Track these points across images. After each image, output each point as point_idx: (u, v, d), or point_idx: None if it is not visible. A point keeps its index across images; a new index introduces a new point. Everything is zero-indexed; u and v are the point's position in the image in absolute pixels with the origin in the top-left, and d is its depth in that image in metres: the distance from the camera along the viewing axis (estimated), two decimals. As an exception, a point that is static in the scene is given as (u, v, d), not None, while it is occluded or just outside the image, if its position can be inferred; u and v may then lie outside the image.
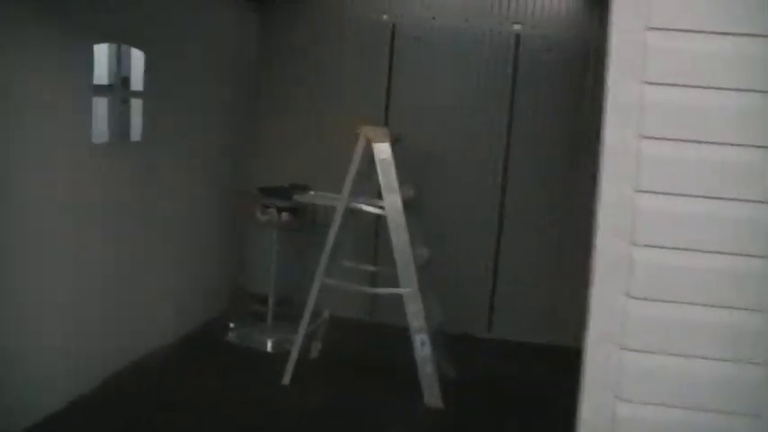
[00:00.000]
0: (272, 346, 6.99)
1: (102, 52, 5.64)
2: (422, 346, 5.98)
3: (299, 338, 6.20)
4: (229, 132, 7.69)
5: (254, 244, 7.25)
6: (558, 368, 6.98)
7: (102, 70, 5.70)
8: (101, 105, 5.72)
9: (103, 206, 5.60)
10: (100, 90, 5.67)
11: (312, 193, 6.59)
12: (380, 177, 5.98)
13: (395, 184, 5.96)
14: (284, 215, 6.97)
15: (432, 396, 5.99)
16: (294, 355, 6.21)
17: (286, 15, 7.99)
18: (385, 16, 7.76)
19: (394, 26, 7.81)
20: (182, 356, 6.65)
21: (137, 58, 6.09)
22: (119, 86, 5.94)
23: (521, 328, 7.80)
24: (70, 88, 5.17)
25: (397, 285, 5.99)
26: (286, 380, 6.21)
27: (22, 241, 4.75)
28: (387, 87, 7.87)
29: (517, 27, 7.60)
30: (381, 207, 6.06)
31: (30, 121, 4.76)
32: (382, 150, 5.95)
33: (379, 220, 7.39)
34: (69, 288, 5.29)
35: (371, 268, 6.96)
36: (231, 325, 7.19)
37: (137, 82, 6.18)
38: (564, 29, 7.55)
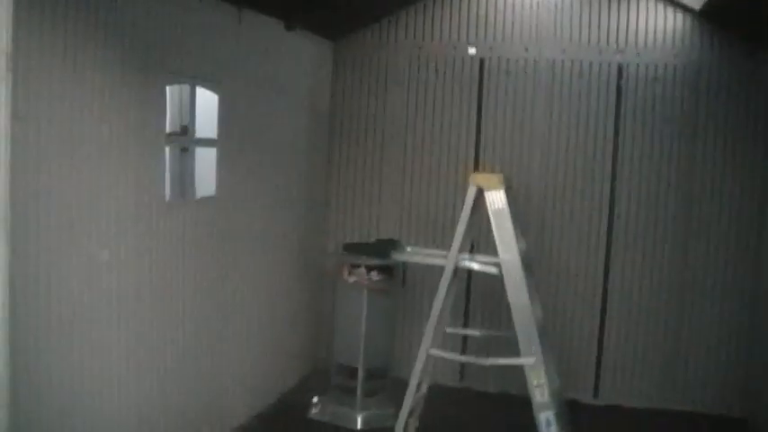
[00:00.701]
0: (363, 424, 6.16)
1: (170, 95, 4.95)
2: (547, 427, 5.13)
3: (402, 418, 5.37)
4: (305, 182, 6.95)
5: (338, 307, 6.40)
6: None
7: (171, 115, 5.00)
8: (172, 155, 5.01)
9: (173, 277, 4.88)
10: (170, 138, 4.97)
11: (409, 249, 5.78)
12: (495, 231, 5.19)
13: (512, 238, 5.17)
14: (374, 274, 6.16)
15: (561, 483, 5.13)
16: (398, 433, 5.38)
17: (360, 52, 7.30)
18: (472, 50, 7.02)
19: (482, 61, 7.06)
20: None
21: (206, 100, 5.37)
22: (192, 132, 5.22)
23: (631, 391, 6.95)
24: (144, 134, 4.47)
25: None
26: (388, 467, 5.37)
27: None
28: (476, 128, 7.10)
29: (619, 56, 6.82)
30: (496, 264, 5.26)
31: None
32: (497, 200, 5.18)
33: (474, 277, 6.64)
34: (131, 361, 4.54)
35: (477, 333, 6.11)
36: (315, 400, 6.37)
37: (205, 128, 5.44)
38: (671, 55, 6.76)
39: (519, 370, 5.18)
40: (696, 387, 6.85)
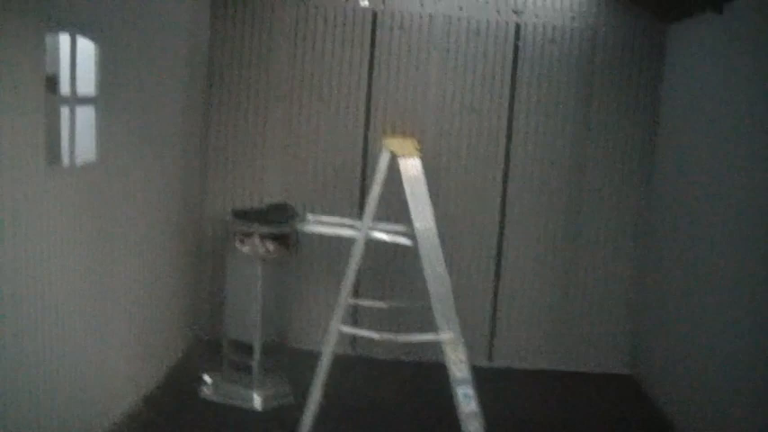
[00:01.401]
0: (261, 403, 5.78)
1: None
2: (466, 401, 4.99)
3: (314, 397, 5.04)
4: (183, 145, 6.35)
5: (229, 279, 5.89)
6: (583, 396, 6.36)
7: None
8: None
9: (52, 252, 4.25)
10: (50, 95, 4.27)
11: (310, 217, 5.39)
12: (409, 199, 4.91)
13: (427, 206, 4.91)
14: (268, 244, 5.73)
15: (479, 458, 5.00)
16: (307, 423, 5.04)
17: (242, 3, 6.71)
18: (365, 2, 6.63)
19: (375, 14, 6.68)
20: (149, 428, 5.30)
21: (81, 52, 4.66)
22: (74, 89, 4.53)
23: (525, 354, 6.97)
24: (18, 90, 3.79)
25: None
26: (297, 451, 5.05)
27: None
28: (368, 86, 6.74)
29: (516, 17, 6.65)
30: (408, 235, 4.99)
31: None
32: (412, 167, 4.88)
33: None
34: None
35: (384, 306, 5.84)
36: (206, 379, 5.91)
37: (84, 83, 4.74)
38: (569, 18, 6.66)
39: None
40: (586, 347, 6.94)
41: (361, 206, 6.69)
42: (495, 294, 6.88)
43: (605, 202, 6.80)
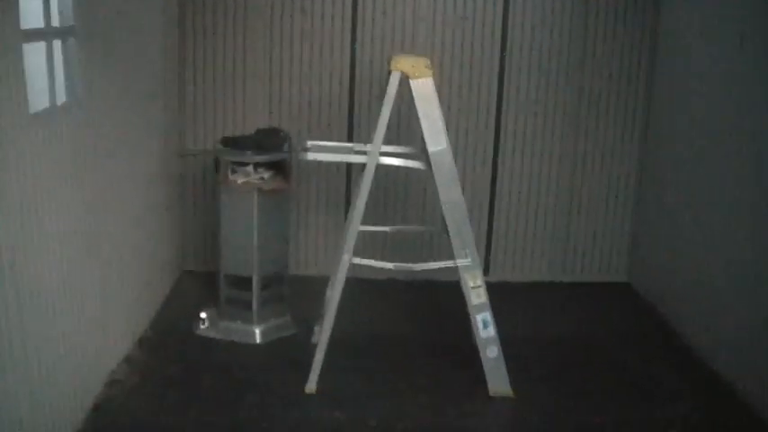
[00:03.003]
0: (262, 336, 5.56)
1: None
2: (484, 327, 4.85)
3: (325, 330, 4.82)
4: (160, 74, 5.87)
5: (223, 213, 5.51)
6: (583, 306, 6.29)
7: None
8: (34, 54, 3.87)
9: (46, 203, 3.90)
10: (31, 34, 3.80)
11: (309, 144, 5.03)
12: (422, 121, 4.59)
13: (441, 128, 4.60)
14: (263, 172, 5.37)
15: (499, 384, 4.91)
16: (320, 356, 4.84)
17: None
18: None
19: None
20: (148, 369, 5.05)
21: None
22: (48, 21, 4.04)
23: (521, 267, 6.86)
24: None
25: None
26: (311, 386, 4.85)
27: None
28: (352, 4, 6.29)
29: None
30: (421, 159, 4.71)
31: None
32: (424, 87, 4.55)
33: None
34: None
35: (386, 230, 5.58)
36: (202, 315, 5.63)
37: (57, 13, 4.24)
38: None
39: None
40: (582, 257, 6.84)
41: (350, 129, 6.38)
42: (491, 206, 6.68)
43: (605, 108, 6.57)
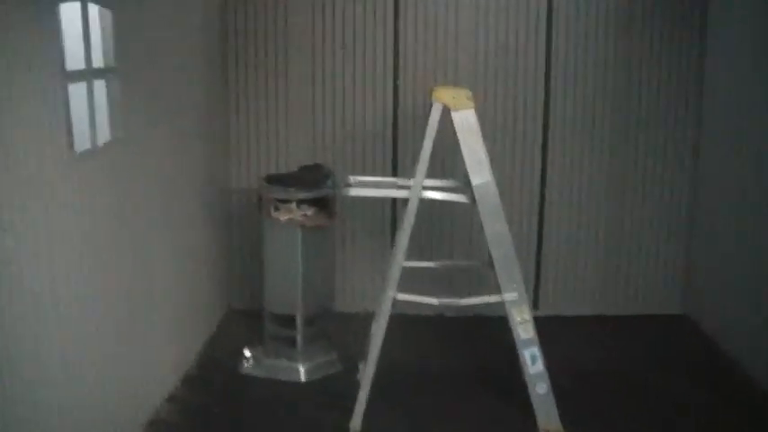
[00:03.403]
0: (307, 375, 5.49)
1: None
2: (533, 362, 4.72)
3: (369, 367, 4.74)
4: (204, 114, 5.90)
5: (267, 250, 5.49)
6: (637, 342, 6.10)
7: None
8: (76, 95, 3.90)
9: (90, 245, 3.94)
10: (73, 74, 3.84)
11: (352, 179, 4.99)
12: (465, 153, 4.53)
13: (484, 160, 4.53)
14: (306, 209, 5.35)
15: (549, 420, 4.76)
16: (364, 394, 4.75)
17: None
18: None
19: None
20: (191, 407, 5.01)
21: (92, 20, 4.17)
22: (90, 61, 4.07)
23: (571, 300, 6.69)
24: (36, 70, 3.37)
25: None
26: (356, 424, 4.76)
27: None
28: (394, 31, 6.28)
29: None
30: (461, 191, 4.64)
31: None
32: (466, 119, 4.49)
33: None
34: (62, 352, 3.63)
35: (432, 265, 5.48)
36: (246, 353, 5.60)
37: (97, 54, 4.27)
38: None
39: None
40: (634, 289, 6.66)
41: (395, 164, 6.34)
42: (540, 240, 6.55)
43: (654, 137, 6.41)
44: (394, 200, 6.26)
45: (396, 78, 6.28)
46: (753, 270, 5.47)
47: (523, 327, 4.65)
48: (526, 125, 6.38)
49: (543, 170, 6.44)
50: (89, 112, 3.98)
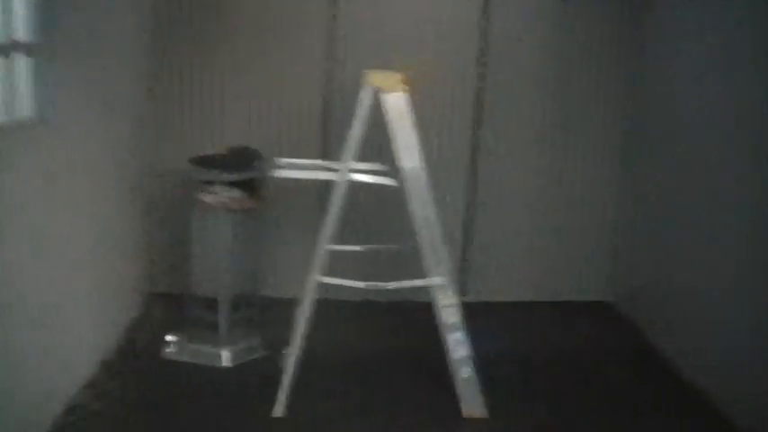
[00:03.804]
0: (230, 360, 5.39)
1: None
2: (457, 347, 4.72)
3: (293, 352, 4.68)
4: (129, 94, 5.72)
5: (193, 233, 5.36)
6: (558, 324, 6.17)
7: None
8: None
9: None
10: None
11: (281, 161, 4.91)
12: (395, 137, 4.49)
13: (415, 144, 4.50)
14: (235, 192, 5.23)
15: (473, 405, 4.78)
16: (288, 379, 4.69)
17: None
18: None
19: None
20: (111, 394, 4.85)
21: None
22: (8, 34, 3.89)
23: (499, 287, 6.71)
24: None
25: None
26: (279, 411, 4.69)
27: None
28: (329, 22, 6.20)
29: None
30: (394, 176, 4.61)
31: None
32: (397, 103, 4.45)
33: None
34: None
35: (358, 249, 5.43)
36: (169, 338, 5.46)
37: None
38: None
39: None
40: (561, 276, 6.74)
41: (326, 148, 6.26)
42: (468, 226, 6.56)
43: (587, 120, 6.49)
44: (325, 184, 6.16)
45: (329, 60, 6.18)
46: (679, 258, 5.59)
47: (448, 311, 4.65)
48: (455, 110, 6.36)
49: (473, 156, 6.45)
50: (6, 87, 3.80)
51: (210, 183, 5.21)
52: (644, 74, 6.21)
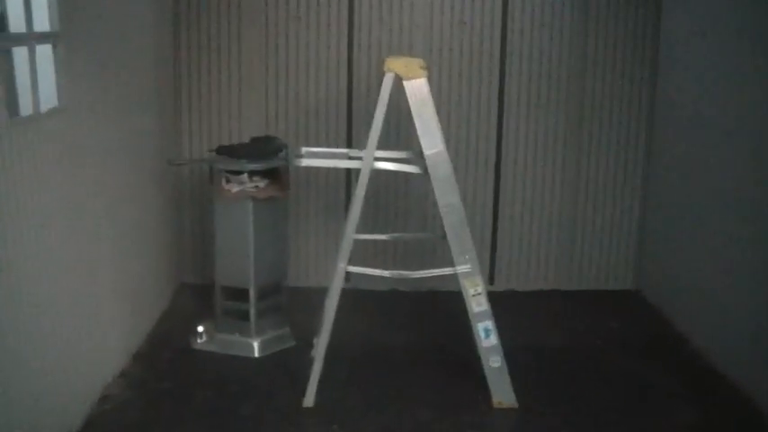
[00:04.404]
0: (260, 350, 5.42)
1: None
2: (486, 336, 4.69)
3: (322, 342, 4.68)
4: (153, 82, 5.76)
5: (218, 223, 5.38)
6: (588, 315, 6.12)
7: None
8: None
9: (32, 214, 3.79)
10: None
11: (304, 150, 4.91)
12: (417, 123, 4.47)
13: (437, 130, 4.48)
14: (258, 180, 5.26)
15: (502, 394, 4.75)
16: (317, 370, 4.70)
17: None
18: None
19: None
20: (143, 383, 4.91)
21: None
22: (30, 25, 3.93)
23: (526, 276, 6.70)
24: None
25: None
26: (308, 401, 4.71)
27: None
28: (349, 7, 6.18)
29: None
30: (418, 163, 4.59)
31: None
32: (418, 89, 4.42)
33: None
34: None
35: (383, 238, 5.42)
36: (199, 329, 5.51)
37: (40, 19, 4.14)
38: None
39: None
40: (589, 265, 6.69)
41: (349, 136, 6.26)
42: (495, 215, 6.53)
43: (609, 116, 6.42)
44: (349, 172, 6.18)
45: (350, 49, 6.19)
46: (698, 248, 5.55)
47: (476, 299, 4.62)
48: (481, 100, 6.34)
49: (498, 145, 6.41)
50: (31, 76, 3.84)
51: (235, 172, 5.23)
52: (670, 64, 6.14)
